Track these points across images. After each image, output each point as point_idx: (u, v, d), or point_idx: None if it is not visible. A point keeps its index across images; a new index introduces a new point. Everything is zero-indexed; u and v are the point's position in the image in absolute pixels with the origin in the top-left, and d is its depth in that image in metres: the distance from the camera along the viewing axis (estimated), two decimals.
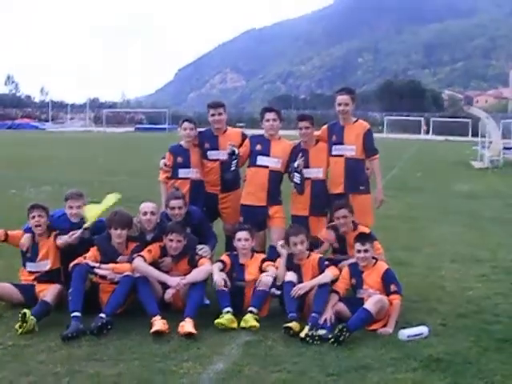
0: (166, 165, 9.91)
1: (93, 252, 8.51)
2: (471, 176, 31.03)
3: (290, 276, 8.40)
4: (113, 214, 8.57)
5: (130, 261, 8.40)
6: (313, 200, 9.64)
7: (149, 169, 23.33)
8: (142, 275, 8.23)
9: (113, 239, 8.54)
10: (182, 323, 7.68)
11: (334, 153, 9.62)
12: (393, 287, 8.21)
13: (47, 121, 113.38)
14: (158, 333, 7.50)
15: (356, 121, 9.72)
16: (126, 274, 8.22)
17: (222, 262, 8.79)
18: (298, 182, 9.48)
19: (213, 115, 9.98)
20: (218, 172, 9.94)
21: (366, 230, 8.94)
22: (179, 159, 9.91)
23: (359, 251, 8.37)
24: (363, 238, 8.47)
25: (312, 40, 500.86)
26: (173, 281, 8.22)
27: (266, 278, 8.42)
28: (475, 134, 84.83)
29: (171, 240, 8.50)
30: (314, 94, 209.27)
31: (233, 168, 9.61)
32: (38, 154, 36.98)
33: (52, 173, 26.05)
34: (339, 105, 9.56)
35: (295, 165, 9.45)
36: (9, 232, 8.78)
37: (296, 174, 9.48)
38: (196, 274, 8.37)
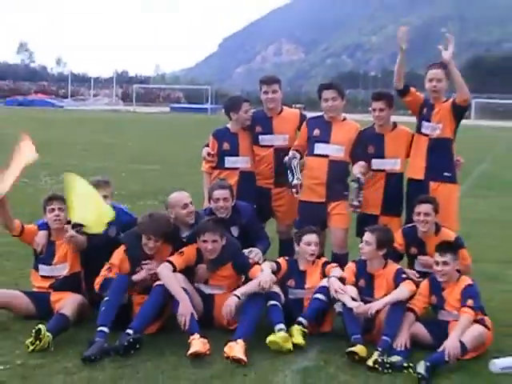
0: (209, 154, 9.90)
1: (118, 256, 8.51)
2: None
3: (352, 292, 8.27)
4: (147, 218, 8.51)
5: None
6: (386, 196, 9.55)
7: (187, 157, 23.51)
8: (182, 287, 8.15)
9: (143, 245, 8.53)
10: (231, 343, 7.59)
11: (422, 130, 9.51)
12: (469, 302, 7.88)
13: (66, 97, 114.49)
14: (197, 355, 7.42)
15: (446, 100, 9.52)
16: (157, 283, 8.17)
17: (277, 263, 8.74)
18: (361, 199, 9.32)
19: (266, 93, 9.95)
20: (272, 161, 9.90)
21: (451, 236, 8.76)
22: (225, 145, 9.90)
23: (437, 263, 8.14)
24: (444, 247, 8.24)
25: (386, 4, 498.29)
26: (184, 307, 7.92)
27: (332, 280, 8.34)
28: None
29: (205, 241, 8.33)
30: (387, 70, 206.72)
31: (290, 179, 9.41)
32: (55, 137, 37.30)
33: (71, 159, 26.29)
34: (430, 80, 9.37)
35: (361, 179, 9.25)
36: (25, 225, 8.86)
37: (360, 191, 9.29)
38: (252, 286, 8.23)
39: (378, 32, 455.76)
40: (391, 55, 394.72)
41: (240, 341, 7.60)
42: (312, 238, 8.71)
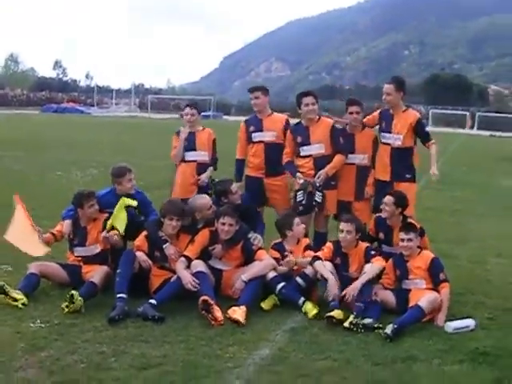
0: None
1: (141, 240, 8.54)
2: None
3: (328, 267, 8.31)
4: (167, 204, 8.61)
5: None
6: (358, 185, 9.69)
7: None
8: (199, 270, 8.11)
9: (165, 228, 8.50)
10: (234, 308, 7.61)
11: (383, 140, 9.65)
12: (442, 276, 8.09)
13: (92, 105, 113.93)
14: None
15: (406, 110, 9.64)
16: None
17: (276, 259, 8.69)
18: (320, 200, 9.38)
19: (251, 99, 10.17)
20: (263, 154, 10.01)
21: (415, 223, 8.77)
22: (185, 143, 10.26)
23: (403, 240, 8.23)
24: (408, 227, 8.35)
25: (358, 31, 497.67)
26: (185, 278, 7.97)
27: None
28: None
29: (223, 223, 8.40)
30: (359, 85, 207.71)
31: (299, 199, 9.47)
32: (84, 138, 37.04)
33: (98, 156, 26.10)
34: (383, 94, 9.55)
35: (316, 183, 9.35)
36: (55, 232, 8.85)
37: (318, 192, 9.37)
38: (258, 270, 8.26)
39: (351, 53, 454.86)
40: (362, 72, 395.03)
41: (242, 307, 7.63)
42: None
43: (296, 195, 9.53)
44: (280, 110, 10.77)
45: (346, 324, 7.41)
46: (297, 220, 8.85)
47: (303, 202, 9.42)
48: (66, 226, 8.78)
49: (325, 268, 8.25)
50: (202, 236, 8.55)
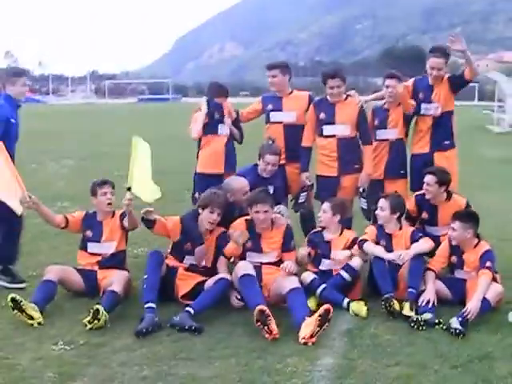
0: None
1: (174, 224, 7.53)
2: (495, 141, 30.02)
3: (380, 251, 7.52)
4: (211, 194, 7.55)
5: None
6: (389, 162, 8.90)
7: (167, 138, 22.58)
8: (246, 273, 6.93)
9: (201, 221, 7.48)
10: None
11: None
12: (488, 264, 7.11)
13: (47, 94, 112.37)
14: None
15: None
16: (221, 276, 7.15)
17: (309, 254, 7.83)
18: (365, 207, 8.65)
19: (268, 77, 9.16)
20: (282, 137, 9.01)
21: (462, 202, 8.10)
22: (216, 115, 8.90)
23: (454, 229, 7.35)
24: (454, 215, 7.42)
25: (310, 7, 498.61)
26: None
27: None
28: (481, 98, 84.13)
29: (257, 212, 7.42)
30: (314, 61, 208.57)
31: (301, 200, 8.79)
32: (49, 128, 35.58)
33: (68, 146, 25.00)
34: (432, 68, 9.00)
35: (360, 189, 8.65)
36: (69, 217, 7.84)
37: (362, 199, 8.66)
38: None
39: (304, 30, 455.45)
40: (316, 48, 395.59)
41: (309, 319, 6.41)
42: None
43: (299, 196, 8.81)
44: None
45: (405, 312, 6.81)
46: (324, 206, 7.94)
47: (305, 204, 8.82)
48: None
49: (377, 248, 7.55)
50: (238, 228, 7.53)
